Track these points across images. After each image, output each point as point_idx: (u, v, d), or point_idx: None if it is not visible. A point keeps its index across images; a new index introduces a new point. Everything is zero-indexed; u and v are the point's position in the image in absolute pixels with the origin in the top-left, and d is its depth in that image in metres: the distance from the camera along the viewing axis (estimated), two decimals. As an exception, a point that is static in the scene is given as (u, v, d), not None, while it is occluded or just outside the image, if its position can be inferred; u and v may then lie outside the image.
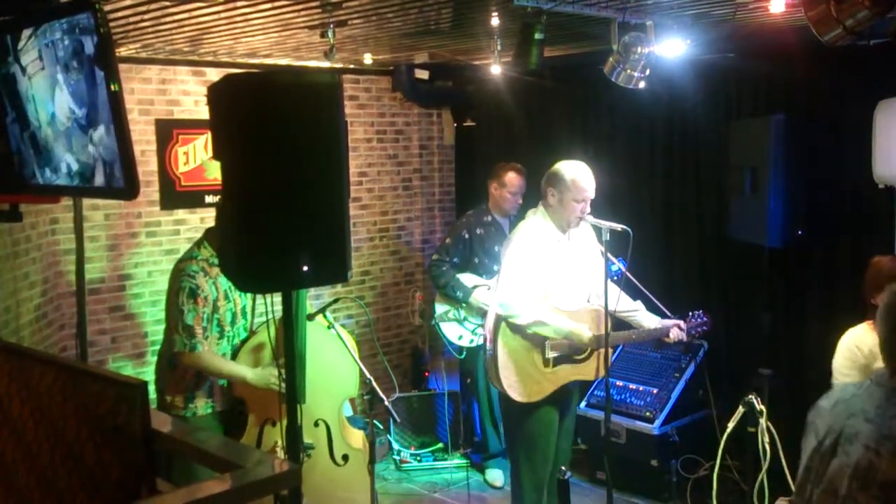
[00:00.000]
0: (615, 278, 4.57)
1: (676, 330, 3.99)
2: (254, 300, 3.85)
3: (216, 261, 3.62)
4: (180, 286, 3.57)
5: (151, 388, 3.73)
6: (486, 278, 5.24)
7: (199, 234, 5.59)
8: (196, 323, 3.54)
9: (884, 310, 2.26)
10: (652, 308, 4.14)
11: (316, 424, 3.81)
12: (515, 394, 3.87)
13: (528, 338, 3.86)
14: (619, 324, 4.08)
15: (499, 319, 3.87)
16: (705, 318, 4.08)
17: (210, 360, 3.60)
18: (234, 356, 3.73)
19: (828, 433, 2.23)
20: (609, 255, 3.91)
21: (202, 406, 3.70)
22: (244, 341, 3.77)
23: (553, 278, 3.88)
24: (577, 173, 3.86)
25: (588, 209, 3.88)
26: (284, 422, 3.55)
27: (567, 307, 3.91)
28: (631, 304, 4.09)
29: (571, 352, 3.92)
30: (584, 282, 4.02)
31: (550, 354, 3.89)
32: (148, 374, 5.30)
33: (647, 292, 4.08)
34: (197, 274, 3.58)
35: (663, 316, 4.09)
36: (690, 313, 4.08)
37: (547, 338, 3.86)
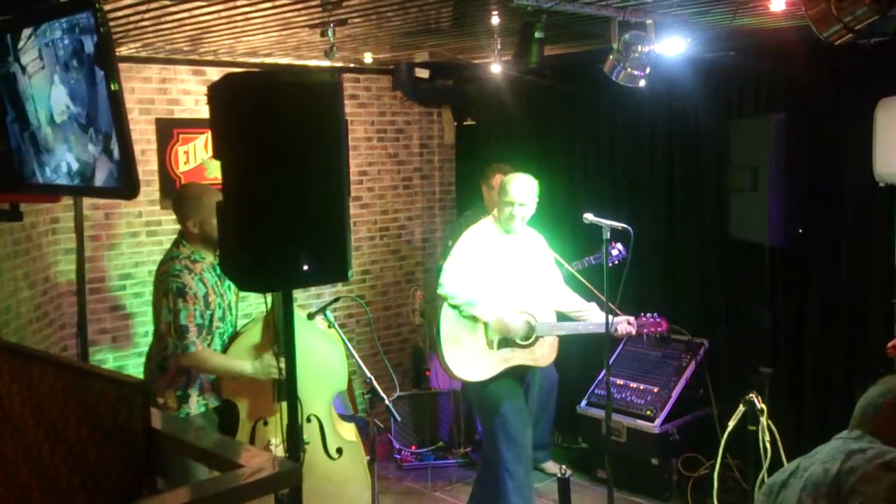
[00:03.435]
0: (616, 262, 4.65)
1: (625, 325, 4.09)
2: (237, 296, 3.84)
3: (198, 257, 3.60)
4: (167, 288, 3.52)
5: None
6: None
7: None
8: (189, 322, 3.50)
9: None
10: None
11: (308, 420, 3.81)
12: (463, 373, 4.01)
13: (468, 318, 4.03)
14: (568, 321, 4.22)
15: (441, 300, 4.05)
16: (659, 320, 4.15)
17: (207, 358, 3.58)
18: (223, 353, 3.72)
19: (778, 477, 2.42)
20: (610, 244, 4.12)
21: (195, 406, 3.66)
22: (232, 339, 3.76)
23: (495, 272, 4.04)
24: (513, 180, 4.10)
25: (521, 213, 4.04)
26: (276, 418, 3.60)
27: (509, 301, 4.04)
28: (583, 304, 4.22)
29: (513, 335, 4.05)
30: (528, 280, 4.14)
31: (492, 336, 4.03)
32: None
33: (597, 292, 4.13)
34: (182, 272, 3.53)
35: (614, 315, 4.15)
36: (643, 313, 4.17)
37: (478, 318, 4.03)
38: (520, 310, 4.06)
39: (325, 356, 3.88)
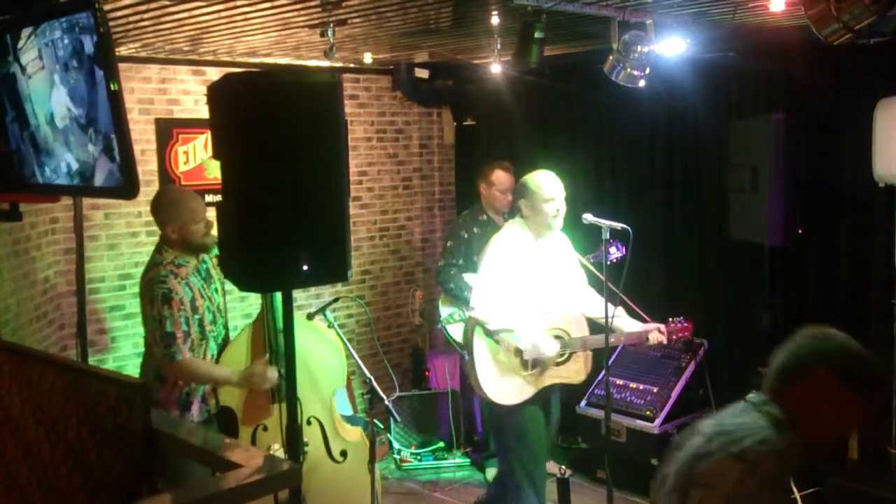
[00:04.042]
0: (614, 261, 4.60)
1: (657, 333, 4.01)
2: (224, 298, 3.80)
3: (182, 261, 3.55)
4: (153, 295, 3.45)
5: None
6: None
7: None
8: (175, 329, 3.43)
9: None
10: (636, 314, 4.15)
11: (309, 423, 3.77)
12: (497, 397, 3.88)
13: (500, 342, 3.88)
14: (599, 328, 4.09)
15: (474, 323, 3.90)
16: (686, 324, 4.10)
17: (193, 367, 3.51)
18: (217, 359, 3.68)
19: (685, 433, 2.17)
20: (609, 243, 4.00)
21: (197, 413, 3.63)
22: (223, 347, 3.73)
23: (529, 285, 3.90)
24: (541, 177, 3.95)
25: (563, 207, 3.92)
26: (276, 422, 3.56)
27: (544, 310, 3.93)
28: (610, 309, 4.06)
29: (547, 363, 3.91)
30: (560, 290, 4.04)
31: (526, 357, 3.90)
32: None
33: (626, 298, 4.08)
34: (167, 278, 3.46)
35: (643, 321, 4.10)
36: (670, 319, 4.10)
37: (513, 346, 3.88)
38: (553, 327, 3.94)
39: (319, 355, 3.82)
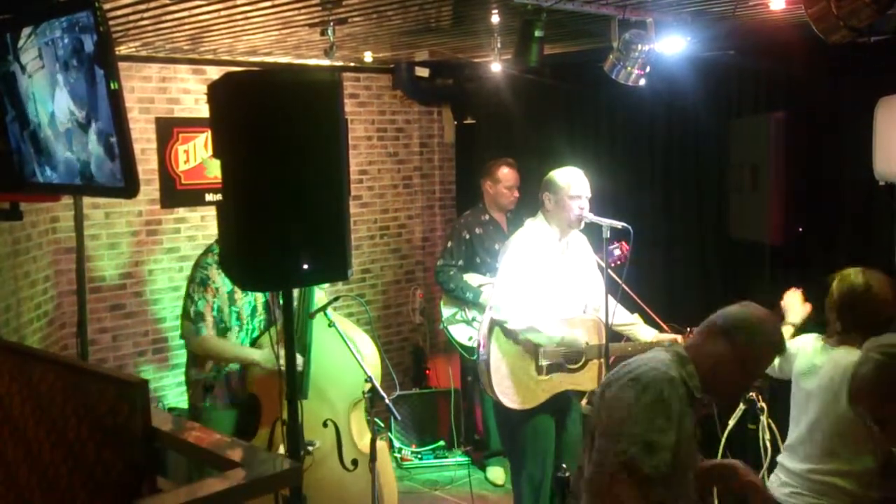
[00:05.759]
0: (617, 262, 4.55)
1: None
2: (277, 295, 3.84)
3: None
4: (193, 276, 3.77)
5: (181, 381, 3.86)
6: (490, 276, 5.24)
7: (199, 233, 5.61)
8: (206, 310, 3.70)
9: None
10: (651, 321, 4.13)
11: (325, 425, 3.77)
12: (508, 400, 3.86)
13: (521, 344, 3.86)
14: (616, 337, 4.07)
15: (493, 324, 3.87)
16: None
17: (216, 343, 3.73)
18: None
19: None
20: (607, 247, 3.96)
21: (221, 398, 3.82)
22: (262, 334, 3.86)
23: (550, 283, 3.88)
24: (569, 173, 3.94)
25: (586, 207, 3.90)
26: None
27: (563, 314, 3.90)
28: (628, 317, 4.07)
29: (565, 360, 3.92)
30: (580, 291, 4.02)
31: (543, 362, 3.88)
32: (148, 372, 5.31)
33: (645, 306, 4.06)
34: (210, 266, 3.72)
35: (660, 330, 4.08)
36: (689, 329, 4.06)
37: (540, 345, 3.86)
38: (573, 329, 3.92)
39: (346, 361, 3.78)
